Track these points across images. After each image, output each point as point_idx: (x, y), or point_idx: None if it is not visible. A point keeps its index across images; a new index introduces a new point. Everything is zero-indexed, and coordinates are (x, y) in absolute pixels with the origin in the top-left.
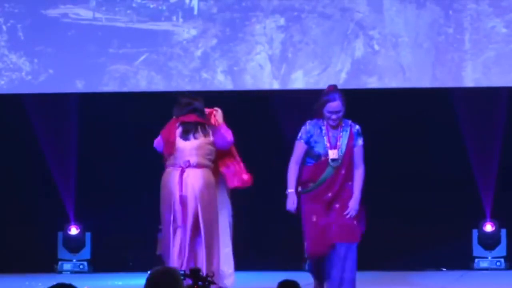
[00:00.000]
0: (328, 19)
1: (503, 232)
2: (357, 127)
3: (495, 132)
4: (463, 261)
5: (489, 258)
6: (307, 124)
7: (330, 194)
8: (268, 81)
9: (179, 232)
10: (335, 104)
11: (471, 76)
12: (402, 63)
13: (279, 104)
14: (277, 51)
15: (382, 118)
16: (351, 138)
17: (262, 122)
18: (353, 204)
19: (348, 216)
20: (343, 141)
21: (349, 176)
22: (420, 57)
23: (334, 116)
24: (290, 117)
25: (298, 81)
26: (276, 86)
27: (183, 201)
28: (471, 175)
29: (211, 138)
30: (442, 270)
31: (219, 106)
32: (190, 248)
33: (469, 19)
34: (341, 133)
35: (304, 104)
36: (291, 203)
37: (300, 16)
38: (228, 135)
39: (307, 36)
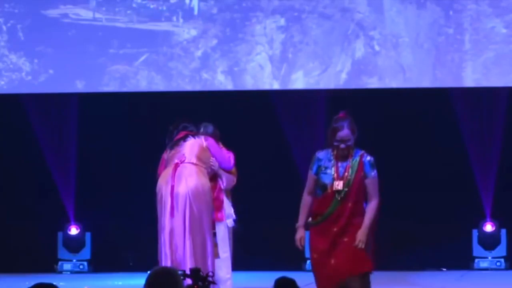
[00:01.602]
0: (328, 19)
1: (503, 232)
2: (369, 158)
3: (495, 132)
4: (463, 261)
5: (489, 258)
6: (316, 154)
7: (335, 229)
8: (268, 81)
9: (167, 225)
10: (344, 133)
11: (471, 76)
12: (402, 64)
13: (279, 104)
14: (277, 52)
15: (382, 118)
16: (361, 169)
17: (262, 122)
18: (361, 235)
19: (357, 247)
20: (351, 172)
21: (358, 211)
22: (420, 57)
23: (342, 145)
24: (290, 117)
25: (298, 82)
26: (276, 86)
27: (174, 192)
28: (471, 175)
29: (204, 143)
30: (442, 270)
31: (219, 106)
32: (175, 241)
33: (469, 19)
34: (350, 164)
35: (304, 104)
36: (298, 240)
37: (301, 16)
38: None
39: (307, 36)
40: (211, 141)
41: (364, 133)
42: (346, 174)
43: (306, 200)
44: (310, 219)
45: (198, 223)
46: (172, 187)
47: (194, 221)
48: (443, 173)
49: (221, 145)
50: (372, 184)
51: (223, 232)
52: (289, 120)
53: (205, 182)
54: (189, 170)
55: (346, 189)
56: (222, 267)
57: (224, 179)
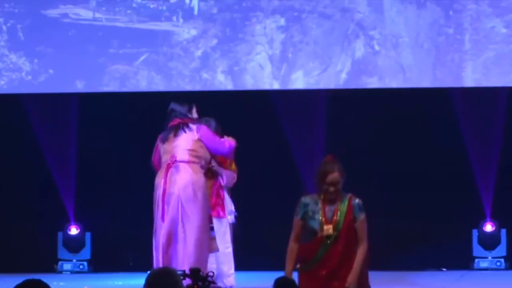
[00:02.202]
0: (328, 19)
1: (503, 232)
2: (357, 200)
3: (495, 132)
4: (463, 261)
5: (489, 258)
6: (302, 199)
7: (324, 272)
8: (268, 81)
9: (159, 229)
10: (334, 176)
11: (471, 76)
12: (402, 64)
13: (279, 104)
14: (277, 51)
15: (382, 118)
16: (350, 213)
17: (262, 122)
18: (351, 279)
19: None
20: (340, 216)
21: (348, 255)
22: (420, 57)
23: (331, 189)
24: (290, 117)
25: (298, 81)
26: (276, 86)
27: (165, 195)
28: (471, 175)
29: (195, 135)
30: (442, 270)
31: (219, 106)
32: (168, 245)
33: (469, 19)
34: (338, 207)
35: (304, 104)
36: None
37: (301, 16)
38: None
39: (307, 36)
40: (203, 130)
41: (364, 133)
42: (335, 217)
43: (292, 247)
44: (298, 265)
45: (191, 225)
46: (164, 191)
47: (188, 224)
48: (443, 173)
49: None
50: (361, 228)
51: (224, 228)
52: (289, 120)
53: (198, 178)
54: (180, 170)
55: (335, 233)
56: (225, 263)
57: (224, 177)
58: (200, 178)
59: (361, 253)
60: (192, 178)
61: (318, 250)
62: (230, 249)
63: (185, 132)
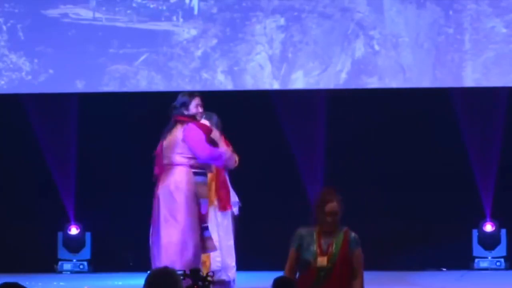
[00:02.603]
0: (328, 19)
1: (503, 232)
2: (353, 234)
3: (495, 132)
4: (463, 261)
5: (489, 258)
6: (298, 230)
7: None
8: (268, 81)
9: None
10: (333, 206)
11: (471, 76)
12: (402, 63)
13: (279, 104)
14: (277, 51)
15: (382, 118)
16: (346, 246)
17: (262, 122)
18: None
19: None
20: (335, 249)
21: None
22: (420, 57)
23: (329, 219)
24: (290, 117)
25: (298, 81)
26: (276, 86)
27: (156, 199)
28: (471, 175)
29: (181, 136)
30: (442, 270)
31: (219, 106)
32: (152, 247)
33: (469, 19)
34: (334, 240)
35: (304, 104)
36: None
37: (300, 16)
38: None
39: (307, 36)
40: (187, 131)
41: (364, 133)
42: (330, 250)
43: None
44: None
45: (173, 223)
46: (155, 195)
47: (167, 223)
48: (443, 173)
49: (223, 138)
50: (357, 261)
51: (228, 221)
52: (289, 120)
53: (181, 178)
54: (168, 173)
55: (330, 265)
56: (228, 256)
57: (213, 167)
58: (183, 177)
59: (357, 286)
60: (175, 178)
61: (312, 282)
62: (231, 242)
63: (176, 132)
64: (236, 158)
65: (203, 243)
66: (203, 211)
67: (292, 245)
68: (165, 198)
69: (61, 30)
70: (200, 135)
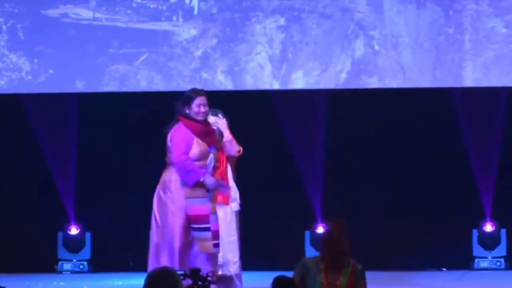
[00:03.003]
0: (328, 19)
1: (503, 232)
2: (360, 267)
3: (495, 132)
4: (463, 261)
5: (489, 258)
6: (303, 259)
7: None
8: (268, 81)
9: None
10: (338, 245)
11: (471, 76)
12: (402, 63)
13: (279, 104)
14: (277, 51)
15: (382, 118)
16: (352, 279)
17: (262, 122)
18: None
19: None
20: (342, 282)
21: None
22: (420, 57)
23: (335, 253)
24: (290, 117)
25: (298, 81)
26: (276, 86)
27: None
28: (471, 175)
29: (168, 138)
30: (442, 270)
31: (219, 106)
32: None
33: (469, 19)
34: (341, 273)
35: (304, 104)
36: None
37: (300, 16)
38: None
39: (307, 36)
40: (174, 131)
41: (364, 133)
42: (337, 282)
43: None
44: None
45: (154, 224)
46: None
47: (158, 227)
48: (443, 173)
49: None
50: None
51: (229, 217)
52: (289, 120)
53: (169, 178)
54: (163, 172)
55: None
56: (230, 251)
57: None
58: (170, 180)
59: None
60: (163, 178)
61: None
62: (235, 237)
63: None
64: (240, 148)
65: (200, 243)
66: (191, 212)
67: (296, 273)
68: (156, 198)
69: (61, 30)
70: (181, 139)
